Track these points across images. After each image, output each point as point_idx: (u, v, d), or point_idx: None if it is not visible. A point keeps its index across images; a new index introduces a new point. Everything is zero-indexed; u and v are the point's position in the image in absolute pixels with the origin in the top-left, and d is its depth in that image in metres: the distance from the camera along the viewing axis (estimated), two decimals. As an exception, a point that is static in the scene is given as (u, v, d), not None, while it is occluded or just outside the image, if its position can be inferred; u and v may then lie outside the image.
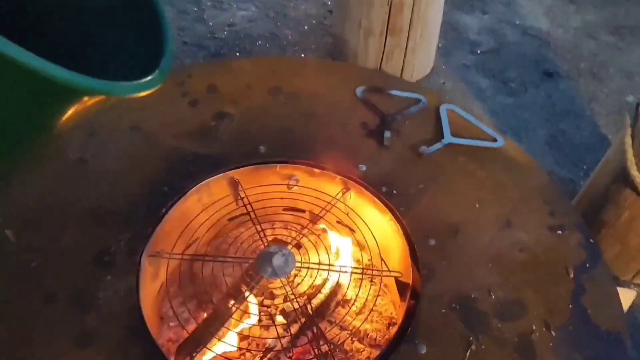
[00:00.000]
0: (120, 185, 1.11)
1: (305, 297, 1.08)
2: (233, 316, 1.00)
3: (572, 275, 1.02)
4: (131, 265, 0.99)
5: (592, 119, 2.45)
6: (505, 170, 1.22)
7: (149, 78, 0.55)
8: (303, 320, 1.00)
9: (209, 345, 0.96)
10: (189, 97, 1.34)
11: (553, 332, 0.93)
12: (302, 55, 2.56)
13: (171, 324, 1.10)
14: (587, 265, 1.04)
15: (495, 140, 1.29)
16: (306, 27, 2.79)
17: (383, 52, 2.26)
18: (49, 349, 0.86)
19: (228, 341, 0.98)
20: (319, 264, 1.06)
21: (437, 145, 1.24)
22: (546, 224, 1.11)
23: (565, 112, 2.48)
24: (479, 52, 2.78)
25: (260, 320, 1.08)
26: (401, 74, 2.35)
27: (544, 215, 1.13)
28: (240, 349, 1.02)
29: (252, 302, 1.05)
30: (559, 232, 1.10)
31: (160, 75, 0.56)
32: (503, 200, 1.15)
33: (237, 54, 2.60)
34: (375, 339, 1.12)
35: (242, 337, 1.08)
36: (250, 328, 1.07)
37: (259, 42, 2.67)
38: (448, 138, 1.26)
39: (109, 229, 1.03)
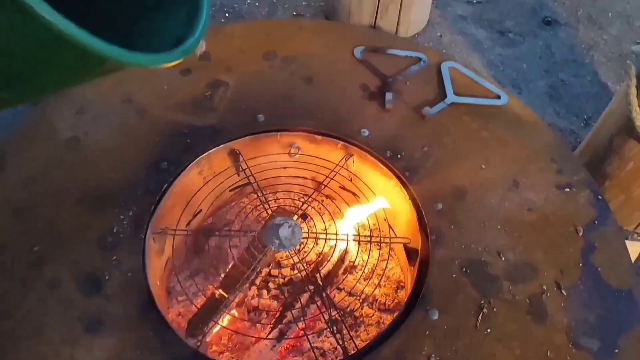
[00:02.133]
0: (116, 163, 1.08)
1: (313, 265, 1.07)
2: (241, 289, 0.99)
3: (581, 234, 1.01)
4: (136, 244, 0.98)
5: (592, 67, 2.41)
6: (509, 128, 1.19)
7: (177, 51, 0.52)
8: (312, 288, 0.99)
9: (218, 319, 0.96)
10: (181, 66, 1.29)
11: (564, 292, 0.93)
12: (294, 13, 2.48)
13: (180, 299, 1.09)
14: (596, 222, 1.03)
15: (498, 97, 1.26)
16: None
17: (377, 8, 2.19)
18: (59, 336, 0.85)
19: (238, 314, 0.98)
20: (326, 232, 1.05)
21: (441, 106, 1.21)
22: (554, 182, 1.10)
23: (564, 61, 2.43)
24: (475, 2, 2.70)
25: (269, 292, 1.08)
26: (397, 29, 2.29)
27: (551, 173, 1.11)
28: (249, 321, 1.02)
29: (260, 273, 1.04)
30: (567, 190, 1.08)
31: (184, 52, 0.53)
32: (509, 160, 1.13)
33: (227, 14, 2.53)
34: (384, 304, 1.12)
35: (252, 308, 1.08)
36: (259, 299, 1.07)
37: (248, 0, 2.59)
38: (451, 97, 1.23)
39: (110, 209, 1.01)
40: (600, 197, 1.08)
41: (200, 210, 1.17)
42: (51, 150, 1.11)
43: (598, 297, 0.93)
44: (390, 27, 2.28)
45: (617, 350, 0.86)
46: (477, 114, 1.22)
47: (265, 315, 1.05)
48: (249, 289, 1.04)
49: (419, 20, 2.38)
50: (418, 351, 0.85)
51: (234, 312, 1.04)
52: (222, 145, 1.14)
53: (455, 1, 2.69)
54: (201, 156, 1.11)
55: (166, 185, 1.06)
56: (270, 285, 1.05)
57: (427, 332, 0.87)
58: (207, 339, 0.97)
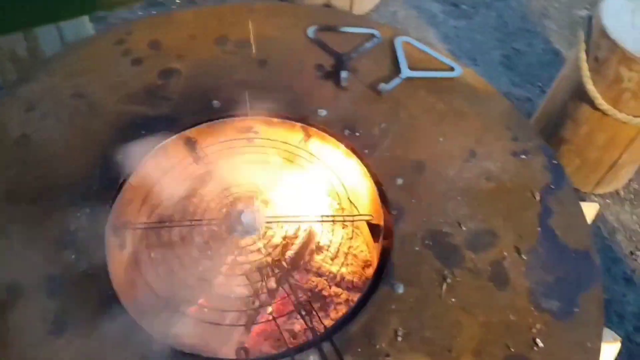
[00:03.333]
0: (70, 160, 1.05)
1: (278, 249, 1.07)
2: (208, 278, 0.98)
3: (538, 199, 1.03)
4: (96, 241, 0.95)
5: (544, 35, 2.45)
6: (465, 100, 1.20)
7: None
8: (279, 272, 0.99)
9: (186, 310, 0.95)
10: (131, 56, 1.26)
11: (524, 257, 0.95)
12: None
13: (145, 293, 1.07)
14: (552, 187, 1.06)
15: (452, 69, 1.26)
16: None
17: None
18: (23, 341, 0.83)
19: (206, 304, 0.97)
20: (289, 215, 1.04)
21: (396, 81, 1.21)
22: (510, 150, 1.11)
23: (517, 30, 2.46)
24: (427, -24, 2.70)
25: (236, 278, 1.07)
26: (350, 6, 2.27)
27: (507, 141, 1.13)
28: (218, 309, 1.01)
29: (226, 261, 1.03)
30: (523, 156, 1.10)
31: None
32: (466, 131, 1.14)
33: (177, 0, 2.47)
34: (352, 282, 1.12)
35: (220, 297, 1.07)
36: (226, 287, 1.06)
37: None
38: (405, 72, 1.23)
39: (65, 207, 0.98)
40: (555, 161, 1.10)
41: (161, 202, 1.15)
42: (0, 150, 1.06)
43: (556, 259, 0.95)
44: (344, 5, 2.27)
45: (576, 309, 0.89)
46: (432, 88, 1.22)
47: (234, 302, 1.04)
48: (216, 278, 1.03)
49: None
50: (385, 325, 0.85)
51: (202, 300, 1.03)
52: (177, 135, 1.12)
53: (408, -24, 2.69)
54: (157, 147, 1.09)
55: (122, 179, 1.04)
56: (237, 271, 1.04)
57: (393, 307, 0.88)
58: (176, 330, 0.96)
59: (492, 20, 2.48)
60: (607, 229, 1.79)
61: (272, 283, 1.01)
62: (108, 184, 1.02)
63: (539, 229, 0.99)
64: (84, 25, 1.89)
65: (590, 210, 1.24)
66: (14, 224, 0.96)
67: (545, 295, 0.90)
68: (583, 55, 1.47)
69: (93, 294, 0.89)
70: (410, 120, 1.15)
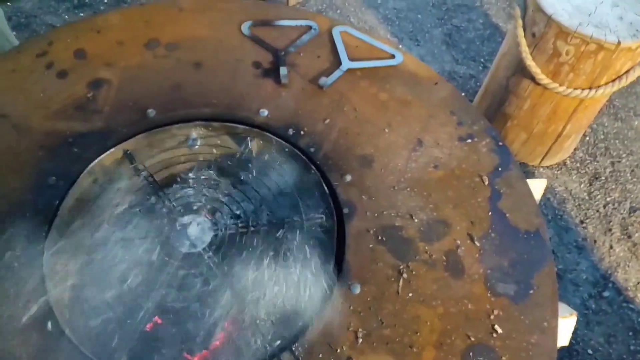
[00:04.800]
0: (-2, 186, 1.00)
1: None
2: (158, 294, 0.95)
3: (487, 183, 1.05)
4: (34, 270, 0.91)
5: (482, 10, 2.48)
6: (408, 87, 1.20)
7: None
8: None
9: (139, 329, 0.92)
10: (56, 68, 1.20)
11: (477, 243, 0.96)
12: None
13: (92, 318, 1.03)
14: (500, 169, 1.07)
15: (393, 57, 1.26)
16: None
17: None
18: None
19: (159, 321, 0.95)
20: (239, 225, 1.02)
21: (337, 74, 1.20)
22: (456, 135, 1.12)
23: (456, 7, 2.49)
24: (362, -44, 2.69)
25: (188, 292, 1.05)
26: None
27: (452, 127, 1.14)
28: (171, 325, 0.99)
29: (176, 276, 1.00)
30: (469, 141, 1.11)
31: None
32: (410, 120, 1.14)
33: (105, 1, 2.37)
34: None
35: (173, 312, 1.04)
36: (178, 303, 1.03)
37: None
38: (346, 64, 1.22)
39: (-3, 238, 0.93)
40: (500, 143, 1.11)
41: (105, 221, 1.11)
42: None
43: (509, 242, 0.97)
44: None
45: (531, 291, 0.91)
46: (374, 77, 1.21)
47: (189, 318, 1.02)
48: (166, 293, 1.00)
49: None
50: (345, 328, 0.85)
51: (156, 319, 1.00)
52: (113, 149, 1.07)
53: (341, -41, 2.67)
54: (92, 164, 1.05)
55: (57, 201, 0.99)
56: (187, 285, 1.01)
57: (350, 307, 0.87)
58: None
59: (430, -2, 2.50)
60: (556, 199, 1.84)
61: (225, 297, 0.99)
62: (41, 208, 0.97)
63: (490, 213, 1.00)
64: (5, 35, 1.78)
65: (538, 185, 1.27)
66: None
67: (501, 280, 0.92)
68: (521, 32, 1.49)
69: (37, 328, 0.85)
70: (354, 113, 1.15)
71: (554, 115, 1.66)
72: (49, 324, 0.85)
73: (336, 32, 1.30)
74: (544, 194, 1.58)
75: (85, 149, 1.06)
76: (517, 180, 1.06)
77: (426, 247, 0.95)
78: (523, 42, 1.49)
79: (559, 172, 1.91)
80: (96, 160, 1.05)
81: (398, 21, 2.39)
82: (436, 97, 1.19)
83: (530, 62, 1.49)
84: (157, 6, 1.36)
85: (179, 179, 1.09)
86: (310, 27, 1.30)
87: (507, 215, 1.00)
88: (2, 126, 1.09)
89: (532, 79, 1.55)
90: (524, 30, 1.50)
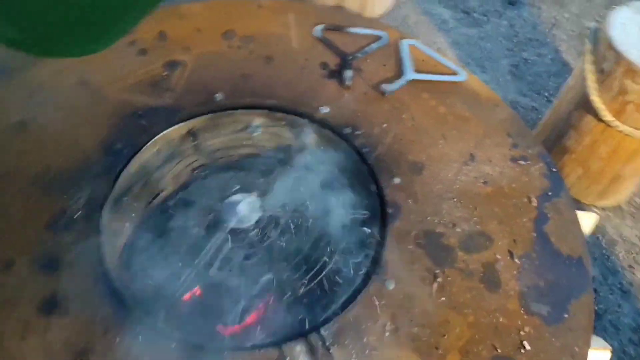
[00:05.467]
0: (69, 147, 1.07)
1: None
2: (203, 266, 1.00)
3: (535, 205, 1.05)
4: (91, 225, 0.97)
5: (554, 45, 2.46)
6: (467, 104, 1.22)
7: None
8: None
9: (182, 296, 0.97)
10: (137, 46, 1.28)
11: (517, 260, 0.96)
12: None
13: (140, 278, 1.09)
14: (550, 194, 1.07)
15: (457, 74, 1.28)
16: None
17: (341, -13, 2.20)
18: (11, 317, 0.85)
19: (199, 291, 0.99)
20: (287, 209, 1.06)
21: (399, 83, 1.23)
22: (509, 156, 1.13)
23: (527, 40, 2.48)
24: (440, -18, 2.72)
25: (231, 268, 1.09)
26: (363, 10, 2.30)
27: (507, 147, 1.14)
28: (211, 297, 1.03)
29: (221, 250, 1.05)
30: (522, 162, 1.11)
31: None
32: (466, 135, 1.16)
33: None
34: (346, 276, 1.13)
35: (215, 286, 1.09)
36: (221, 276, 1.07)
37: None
38: (409, 74, 1.25)
39: (62, 191, 1.00)
40: (553, 169, 1.11)
41: (161, 191, 1.17)
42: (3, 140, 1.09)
43: (549, 265, 0.96)
44: (356, 8, 2.29)
45: (566, 315, 0.90)
46: (435, 91, 1.24)
47: (229, 291, 1.06)
48: (211, 266, 1.05)
49: (383, 0, 2.40)
50: (374, 320, 0.87)
51: (197, 288, 1.04)
52: (178, 125, 1.14)
53: (421, -19, 2.71)
54: (157, 137, 1.11)
55: (121, 166, 1.06)
56: (233, 260, 1.05)
57: (383, 302, 0.89)
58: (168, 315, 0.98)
59: (502, 29, 2.50)
60: (606, 240, 1.79)
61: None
62: (106, 170, 1.04)
63: (534, 234, 1.00)
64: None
65: (588, 219, 1.26)
66: (9, 207, 0.98)
67: (536, 299, 0.92)
68: (589, 67, 1.48)
69: (87, 277, 0.91)
70: (412, 121, 1.17)
71: (613, 155, 1.63)
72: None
73: (404, 44, 1.33)
74: (593, 232, 1.55)
75: (152, 122, 1.13)
76: (566, 207, 1.05)
77: (464, 257, 0.96)
78: (590, 77, 1.47)
79: (612, 214, 1.86)
80: (161, 134, 1.12)
81: (467, 47, 2.40)
82: (494, 117, 1.20)
83: (595, 97, 1.47)
84: (238, 1, 1.43)
85: (236, 161, 1.15)
86: (379, 37, 1.34)
87: (551, 238, 1.00)
88: (82, 92, 1.18)
89: (596, 114, 1.53)
90: (593, 66, 1.49)
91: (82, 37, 0.40)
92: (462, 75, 1.27)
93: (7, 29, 0.37)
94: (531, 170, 1.11)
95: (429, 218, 1.01)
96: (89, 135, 1.09)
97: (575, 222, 1.03)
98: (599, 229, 1.81)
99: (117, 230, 1.04)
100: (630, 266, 1.74)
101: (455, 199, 1.04)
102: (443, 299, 0.91)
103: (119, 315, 0.87)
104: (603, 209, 1.89)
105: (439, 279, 0.93)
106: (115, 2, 0.38)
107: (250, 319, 1.03)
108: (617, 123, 1.52)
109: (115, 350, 0.82)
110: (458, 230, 1.00)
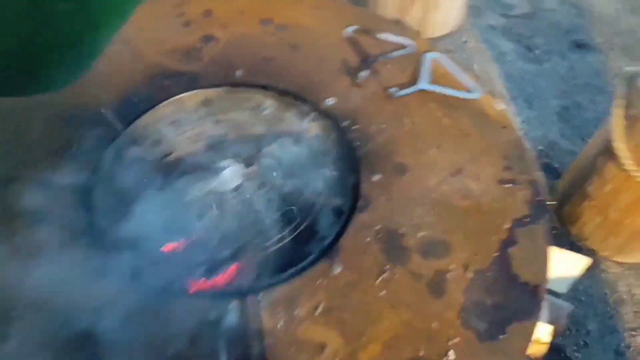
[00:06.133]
0: (95, 90, 1.15)
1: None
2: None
3: (507, 227, 1.00)
4: (93, 159, 1.04)
5: (612, 95, 2.32)
6: (473, 121, 1.18)
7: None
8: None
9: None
10: (184, 18, 1.35)
11: (469, 275, 0.92)
12: None
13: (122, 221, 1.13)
14: (527, 220, 1.02)
15: (471, 91, 1.25)
16: (340, -27, 2.71)
17: (404, 3, 2.19)
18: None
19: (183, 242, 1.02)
20: (266, 182, 1.08)
21: (409, 89, 1.22)
22: (499, 177, 1.08)
23: (585, 85, 2.36)
24: (510, 15, 2.65)
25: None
26: (421, 27, 2.28)
27: (498, 168, 1.10)
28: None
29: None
30: (509, 185, 1.07)
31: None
32: (462, 149, 1.13)
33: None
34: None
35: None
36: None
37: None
38: (422, 84, 1.23)
39: (77, 127, 1.08)
40: (539, 198, 1.06)
41: (170, 153, 1.22)
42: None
43: (502, 286, 0.92)
44: (414, 24, 2.27)
45: (502, 336, 0.86)
46: (445, 103, 1.21)
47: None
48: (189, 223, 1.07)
49: (445, 22, 2.37)
50: (310, 297, 0.87)
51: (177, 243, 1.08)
52: (195, 92, 1.19)
53: (490, 12, 2.65)
54: (174, 98, 1.17)
55: (134, 117, 1.12)
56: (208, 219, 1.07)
57: (324, 283, 0.89)
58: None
59: (562, 70, 2.39)
60: (615, 298, 1.67)
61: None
62: (120, 118, 1.11)
63: (496, 254, 0.96)
64: None
65: (579, 261, 1.19)
66: (32, 129, 1.07)
67: (477, 315, 0.88)
68: (617, 111, 1.39)
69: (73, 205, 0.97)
70: (411, 126, 1.16)
71: (634, 207, 1.51)
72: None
73: (428, 56, 1.31)
74: (610, 293, 1.44)
75: (174, 84, 1.19)
76: (539, 237, 1.00)
77: (419, 260, 0.94)
78: (616, 122, 1.39)
79: (629, 272, 1.73)
80: (178, 96, 1.18)
81: (520, 81, 2.32)
82: (498, 138, 1.16)
83: (619, 144, 1.38)
84: (284, -8, 1.47)
85: (241, 135, 1.18)
86: (406, 46, 1.33)
87: (513, 261, 0.95)
88: (123, 48, 1.26)
89: (618, 162, 1.43)
90: (622, 110, 1.40)
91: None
92: (476, 93, 1.24)
93: None
94: (516, 195, 1.06)
95: (396, 218, 0.99)
96: (115, 84, 1.17)
97: (543, 252, 0.98)
98: (609, 285, 1.69)
99: (115, 174, 1.09)
100: (633, 329, 1.61)
101: (429, 206, 1.02)
102: (384, 292, 0.89)
103: (94, 245, 0.92)
104: (620, 264, 1.76)
105: (385, 275, 0.91)
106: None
107: (216, 279, 1.05)
108: (639, 173, 1.42)
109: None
110: (421, 234, 0.97)
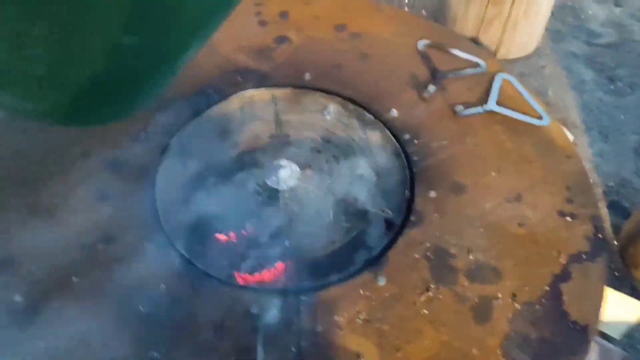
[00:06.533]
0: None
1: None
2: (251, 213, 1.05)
3: (562, 261, 0.97)
4: (162, 143, 1.10)
5: (696, 137, 2.19)
6: (538, 148, 1.15)
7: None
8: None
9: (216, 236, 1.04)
10: (260, 17, 1.39)
11: (517, 305, 0.90)
12: (405, 9, 2.50)
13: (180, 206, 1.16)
14: (584, 256, 0.98)
15: (540, 118, 1.21)
16: (422, -15, 2.71)
17: (482, 21, 2.15)
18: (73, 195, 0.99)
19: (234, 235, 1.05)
20: (321, 186, 1.09)
21: (476, 109, 1.20)
22: (559, 208, 1.05)
23: (669, 123, 2.23)
24: (595, 43, 2.55)
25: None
26: (498, 48, 2.23)
27: (560, 199, 1.07)
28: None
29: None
30: (569, 218, 1.03)
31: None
32: (523, 175, 1.10)
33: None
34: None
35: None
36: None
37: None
38: (490, 105, 1.21)
39: (150, 111, 1.13)
40: (600, 235, 1.02)
41: (233, 145, 1.26)
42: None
43: (549, 321, 0.89)
44: (491, 44, 2.23)
45: (544, 372, 0.83)
46: (511, 127, 1.19)
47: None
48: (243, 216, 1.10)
49: (523, 44, 2.30)
50: (351, 305, 0.87)
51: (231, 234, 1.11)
52: (264, 90, 1.22)
53: (573, 38, 2.56)
54: (243, 92, 1.21)
55: (205, 107, 1.17)
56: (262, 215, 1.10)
57: (368, 293, 0.89)
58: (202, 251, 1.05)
59: (644, 105, 2.27)
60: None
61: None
62: (192, 107, 1.16)
63: (547, 287, 0.93)
64: None
65: (637, 307, 1.13)
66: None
67: (520, 347, 0.85)
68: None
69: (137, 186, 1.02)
70: (473, 147, 1.14)
71: None
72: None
73: (499, 77, 1.29)
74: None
75: (245, 80, 1.23)
76: (596, 276, 0.96)
77: (466, 283, 0.92)
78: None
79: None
80: (248, 91, 1.21)
81: (597, 112, 2.22)
82: (560, 167, 1.12)
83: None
84: (362, 2, 1.49)
85: (302, 137, 1.20)
86: (478, 64, 1.32)
87: (564, 297, 0.92)
88: (201, 42, 1.31)
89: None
90: None
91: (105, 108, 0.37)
92: (545, 120, 1.20)
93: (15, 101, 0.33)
94: (575, 229, 1.02)
95: (447, 237, 0.98)
96: (191, 74, 1.22)
97: (598, 292, 0.94)
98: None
99: (179, 160, 1.14)
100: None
101: (482, 229, 1.00)
102: (425, 311, 0.88)
103: (148, 222, 0.97)
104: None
105: (430, 293, 0.90)
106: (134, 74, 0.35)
107: (263, 275, 1.07)
108: None
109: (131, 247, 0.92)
110: (471, 257, 0.96)
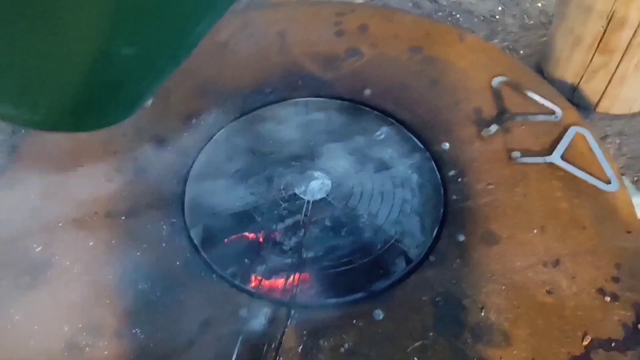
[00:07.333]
0: (238, 72, 1.23)
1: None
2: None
3: (586, 344, 0.86)
4: (210, 133, 1.12)
5: None
6: (595, 214, 1.04)
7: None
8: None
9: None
10: (339, 27, 1.38)
11: (519, 378, 0.82)
12: (509, 49, 2.38)
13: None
14: (614, 345, 0.87)
15: (608, 182, 1.10)
16: (531, 21, 2.56)
17: (586, 69, 1.99)
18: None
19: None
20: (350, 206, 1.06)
21: (536, 159, 1.11)
22: (600, 285, 0.94)
23: None
24: None
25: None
26: (599, 101, 2.05)
27: (604, 276, 0.95)
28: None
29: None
30: (608, 299, 0.92)
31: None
32: (569, 240, 0.99)
33: (448, 23, 2.53)
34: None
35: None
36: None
37: (475, 19, 2.56)
38: (554, 157, 1.11)
39: (206, 100, 1.17)
40: (639, 325, 0.90)
41: (272, 149, 1.25)
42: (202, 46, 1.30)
43: (552, 405, 0.80)
44: (592, 95, 2.06)
45: None
46: (571, 186, 1.08)
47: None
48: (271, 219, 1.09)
49: (629, 100, 2.10)
50: (340, 332, 0.84)
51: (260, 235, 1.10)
52: (322, 99, 1.21)
53: (693, 103, 2.29)
54: (300, 99, 1.21)
55: (259, 105, 1.18)
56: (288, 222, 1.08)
57: (360, 324, 0.85)
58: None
59: None
60: None
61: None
62: (247, 103, 1.18)
63: (561, 368, 0.83)
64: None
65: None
66: (174, 93, 1.18)
67: None
68: None
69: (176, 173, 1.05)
70: (522, 197, 1.05)
71: None
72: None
73: (572, 130, 1.18)
74: None
75: (305, 86, 1.23)
76: (624, 369, 0.85)
77: (469, 341, 0.85)
78: None
79: None
80: (304, 98, 1.21)
81: (700, 190, 1.98)
82: (617, 242, 1.00)
83: None
84: (446, 28, 1.43)
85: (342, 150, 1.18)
86: (553, 112, 1.22)
87: (576, 384, 0.82)
88: (275, 41, 1.33)
89: None
90: None
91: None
92: (613, 186, 1.08)
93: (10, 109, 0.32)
94: (612, 312, 0.91)
95: (463, 286, 0.91)
96: (255, 69, 1.24)
97: (619, 389, 0.82)
98: None
99: (220, 152, 1.15)
100: None
101: (504, 287, 0.92)
102: (415, 359, 0.82)
103: (172, 205, 0.99)
104: None
105: (426, 341, 0.84)
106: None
107: (274, 281, 1.06)
108: None
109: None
110: (482, 315, 0.88)
